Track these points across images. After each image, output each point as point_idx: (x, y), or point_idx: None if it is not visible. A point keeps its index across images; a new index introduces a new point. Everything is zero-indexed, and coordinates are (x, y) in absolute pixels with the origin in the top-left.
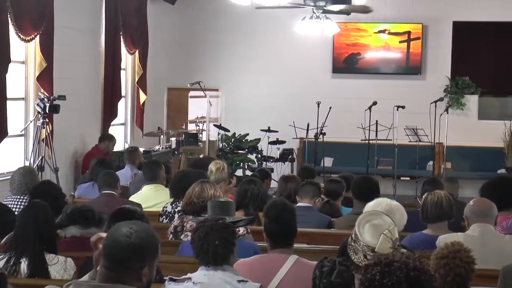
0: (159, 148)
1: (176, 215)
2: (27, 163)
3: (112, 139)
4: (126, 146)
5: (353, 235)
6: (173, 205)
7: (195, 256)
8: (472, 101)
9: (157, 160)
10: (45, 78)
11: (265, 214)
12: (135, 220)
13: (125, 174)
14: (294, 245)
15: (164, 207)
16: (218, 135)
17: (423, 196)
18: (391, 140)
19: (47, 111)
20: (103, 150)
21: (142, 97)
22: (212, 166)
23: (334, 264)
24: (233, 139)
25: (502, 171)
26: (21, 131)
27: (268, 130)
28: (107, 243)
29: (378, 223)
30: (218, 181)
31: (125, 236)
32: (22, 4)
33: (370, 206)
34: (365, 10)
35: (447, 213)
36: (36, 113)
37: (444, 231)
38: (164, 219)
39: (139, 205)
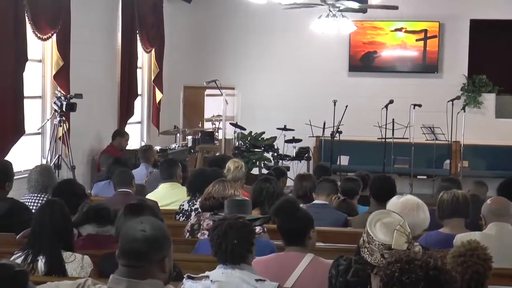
0: (175, 147)
1: (193, 213)
2: (44, 161)
3: (123, 135)
4: (143, 144)
5: (365, 237)
6: (190, 203)
7: (213, 254)
8: (489, 99)
9: (174, 159)
10: (62, 76)
11: (272, 213)
12: (144, 216)
13: (140, 173)
14: None
15: (181, 205)
16: (234, 133)
17: (440, 194)
18: (407, 138)
19: (64, 109)
20: (117, 147)
21: (158, 95)
22: (230, 165)
23: (350, 262)
24: (249, 138)
25: None
26: (38, 130)
27: (284, 129)
28: (125, 241)
29: (388, 221)
30: (235, 179)
31: (141, 231)
32: (39, 3)
33: (397, 203)
34: (391, 7)
35: (463, 208)
36: (53, 111)
37: (461, 230)
38: (181, 217)
39: (156, 203)
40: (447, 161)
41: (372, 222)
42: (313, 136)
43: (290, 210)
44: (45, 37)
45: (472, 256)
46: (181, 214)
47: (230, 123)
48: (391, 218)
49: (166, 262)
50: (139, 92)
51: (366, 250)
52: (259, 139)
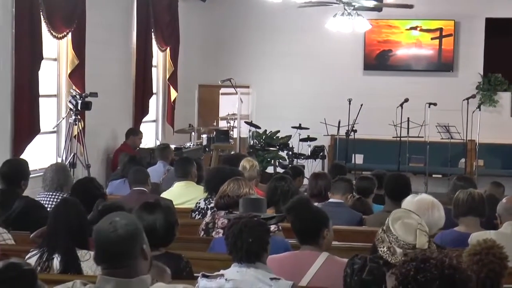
0: (190, 145)
1: (209, 212)
2: (59, 160)
3: (137, 134)
4: (157, 143)
5: (385, 236)
6: (206, 201)
7: (229, 252)
8: (504, 98)
9: (188, 157)
10: (77, 75)
11: (286, 212)
12: (110, 214)
13: (157, 171)
14: None
15: (197, 203)
16: (249, 132)
17: (456, 193)
18: (422, 137)
19: (79, 108)
20: (131, 145)
21: (173, 94)
22: (246, 164)
23: (365, 261)
24: (264, 136)
25: None
26: (53, 128)
27: (299, 127)
28: (99, 246)
29: (409, 221)
30: (250, 178)
31: (113, 232)
32: (54, 2)
33: (412, 202)
34: (407, 6)
35: (478, 207)
36: (68, 110)
37: (476, 228)
38: (197, 215)
39: (170, 202)
40: (462, 160)
41: (393, 222)
42: (328, 135)
43: (302, 209)
44: (61, 35)
45: (488, 254)
46: (197, 212)
47: (245, 122)
48: (411, 218)
49: (145, 249)
50: (154, 90)
51: (386, 250)
52: (274, 137)
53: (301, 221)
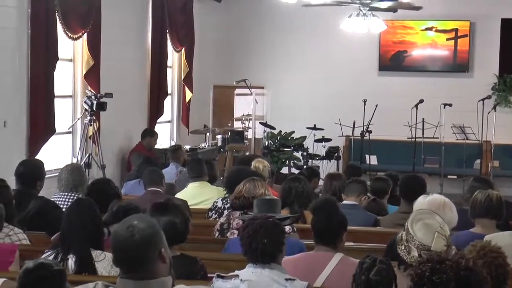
0: (205, 146)
1: (226, 212)
2: (74, 160)
3: (153, 135)
4: (172, 143)
5: (404, 235)
6: (224, 201)
7: (244, 253)
8: None
9: (200, 158)
10: (92, 75)
11: (311, 210)
12: (128, 217)
13: (170, 172)
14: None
15: (214, 201)
16: (263, 132)
17: (475, 193)
18: (438, 138)
19: (94, 108)
20: (146, 146)
21: (188, 94)
22: (259, 164)
23: (375, 261)
24: (278, 137)
25: None
26: (68, 129)
27: (314, 128)
28: (117, 251)
29: (430, 223)
30: (264, 179)
31: (131, 236)
32: (70, 3)
33: (423, 202)
34: (415, 8)
35: (495, 209)
36: (84, 110)
37: (492, 230)
38: (214, 214)
39: (185, 202)
40: (478, 161)
41: (413, 221)
42: (342, 136)
43: (331, 210)
44: (76, 36)
45: (486, 253)
46: (214, 211)
47: (259, 123)
48: (433, 220)
49: (163, 253)
50: (169, 91)
51: (403, 248)
52: (289, 138)
53: (326, 222)
